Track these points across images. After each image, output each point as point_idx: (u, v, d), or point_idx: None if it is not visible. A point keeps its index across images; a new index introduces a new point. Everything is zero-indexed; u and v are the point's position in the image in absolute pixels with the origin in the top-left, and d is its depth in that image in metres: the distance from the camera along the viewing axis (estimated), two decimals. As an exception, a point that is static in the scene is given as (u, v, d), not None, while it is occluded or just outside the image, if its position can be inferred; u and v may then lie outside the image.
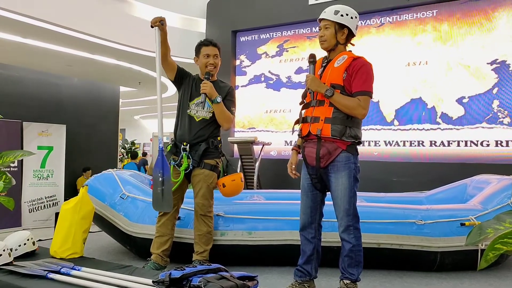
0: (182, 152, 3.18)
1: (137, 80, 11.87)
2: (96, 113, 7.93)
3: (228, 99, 3.25)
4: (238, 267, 3.53)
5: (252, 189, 6.71)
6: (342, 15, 2.67)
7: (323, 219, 2.82)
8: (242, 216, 3.57)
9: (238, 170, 6.99)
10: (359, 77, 2.59)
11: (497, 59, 5.82)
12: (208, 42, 3.27)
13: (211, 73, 3.21)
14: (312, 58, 2.75)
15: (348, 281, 2.62)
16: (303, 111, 2.83)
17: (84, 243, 3.19)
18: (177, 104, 3.33)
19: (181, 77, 3.31)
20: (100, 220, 3.88)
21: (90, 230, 3.29)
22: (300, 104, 2.85)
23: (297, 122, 2.84)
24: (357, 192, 2.69)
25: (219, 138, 3.29)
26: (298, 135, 2.83)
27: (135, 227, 3.63)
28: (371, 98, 2.64)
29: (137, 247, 3.74)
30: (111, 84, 9.06)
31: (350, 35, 2.73)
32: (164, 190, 2.96)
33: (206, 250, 3.21)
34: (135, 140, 17.19)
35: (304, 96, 2.83)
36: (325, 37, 2.70)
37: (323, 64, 2.78)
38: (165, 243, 3.22)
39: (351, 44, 2.79)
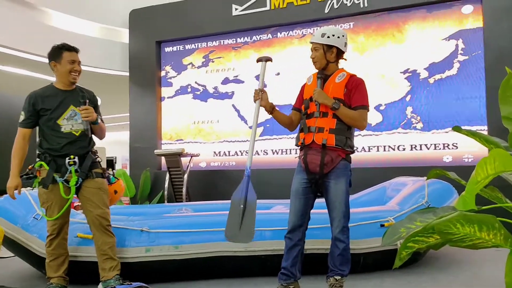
0: (69, 167, 3.06)
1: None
2: (7, 127, 7.33)
3: (98, 110, 3.26)
4: (165, 284, 3.42)
5: (181, 201, 6.58)
6: (328, 37, 2.91)
7: None
8: (168, 230, 3.47)
9: (166, 183, 6.83)
10: (358, 92, 2.90)
11: (409, 69, 6.23)
12: (71, 47, 3.17)
13: (85, 96, 3.15)
14: (320, 74, 2.97)
15: (339, 277, 2.88)
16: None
17: (-8, 271, 2.92)
18: (35, 120, 3.17)
19: (38, 110, 3.14)
20: (12, 244, 3.57)
21: (0, 256, 3.02)
22: (303, 115, 3.07)
23: (301, 131, 3.07)
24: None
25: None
26: (300, 144, 3.08)
27: (51, 249, 3.38)
28: (368, 111, 2.98)
29: (55, 271, 3.48)
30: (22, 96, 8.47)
31: (340, 52, 2.98)
32: (244, 220, 2.78)
33: (119, 262, 3.12)
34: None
35: (306, 107, 3.02)
36: (316, 58, 2.97)
37: (319, 78, 2.97)
38: (63, 263, 3.11)
39: (344, 59, 3.04)
